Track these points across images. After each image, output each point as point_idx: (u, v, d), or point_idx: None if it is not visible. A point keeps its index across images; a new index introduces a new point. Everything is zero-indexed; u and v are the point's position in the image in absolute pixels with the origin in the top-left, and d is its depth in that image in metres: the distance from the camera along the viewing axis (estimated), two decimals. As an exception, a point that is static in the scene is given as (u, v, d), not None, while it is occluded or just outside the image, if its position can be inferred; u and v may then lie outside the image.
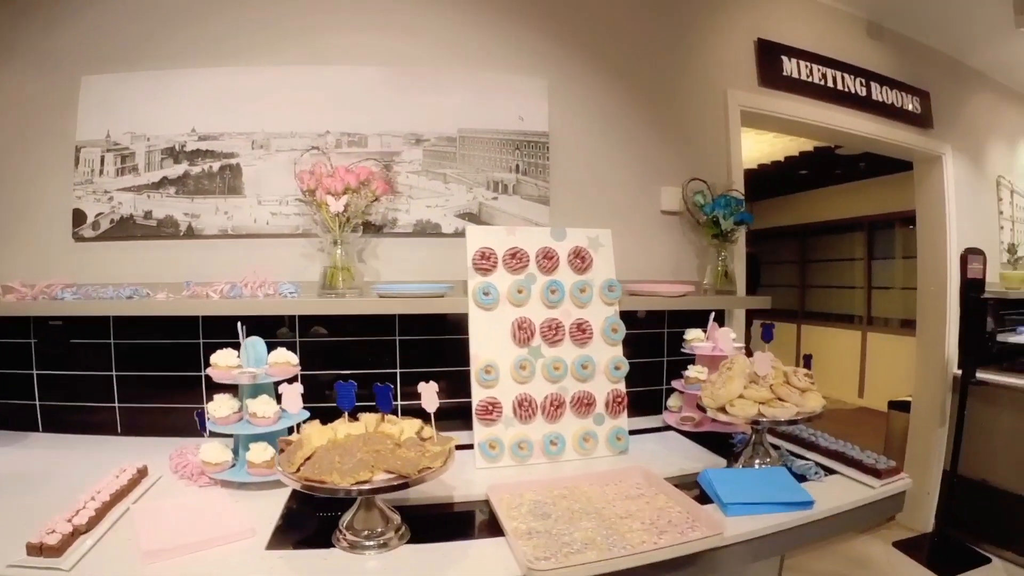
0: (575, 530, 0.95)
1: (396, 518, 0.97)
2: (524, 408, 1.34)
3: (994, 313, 2.63)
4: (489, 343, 1.36)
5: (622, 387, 1.43)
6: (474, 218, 1.66)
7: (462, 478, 1.20)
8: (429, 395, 1.05)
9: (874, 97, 2.32)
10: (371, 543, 0.91)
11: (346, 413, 1.02)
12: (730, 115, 1.95)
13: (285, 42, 1.53)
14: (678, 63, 1.91)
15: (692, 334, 1.64)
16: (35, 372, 1.37)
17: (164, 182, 1.46)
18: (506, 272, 1.40)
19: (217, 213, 1.49)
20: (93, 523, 0.90)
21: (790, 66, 2.09)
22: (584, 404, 1.38)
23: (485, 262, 1.38)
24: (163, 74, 1.46)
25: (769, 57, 2.05)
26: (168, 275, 1.43)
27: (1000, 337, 2.64)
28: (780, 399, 1.20)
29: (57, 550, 0.81)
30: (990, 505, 2.39)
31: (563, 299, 1.42)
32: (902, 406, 2.92)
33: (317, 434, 0.98)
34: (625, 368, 1.42)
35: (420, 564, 0.87)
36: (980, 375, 2.39)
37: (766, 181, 5.20)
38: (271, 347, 1.24)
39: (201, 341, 1.41)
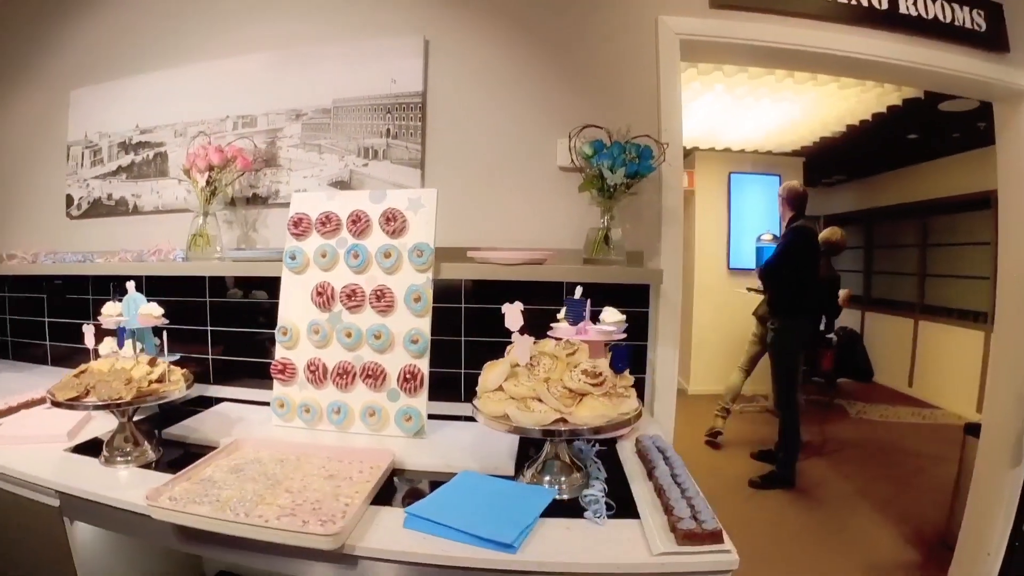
0: (234, 489, 1.05)
1: (147, 446, 1.28)
2: (313, 372, 1.49)
3: None
4: (291, 306, 1.55)
5: (420, 363, 1.45)
6: (344, 185, 1.84)
7: (249, 430, 1.45)
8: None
9: (907, 11, 1.69)
10: (124, 459, 1.24)
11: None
12: (662, 48, 1.68)
13: (195, 43, 1.95)
14: None
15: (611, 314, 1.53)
16: (46, 319, 2.11)
17: (119, 170, 2.04)
18: (318, 237, 1.56)
19: (151, 193, 2.01)
20: None
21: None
22: (373, 376, 1.46)
23: (295, 228, 1.56)
24: (117, 83, 2.02)
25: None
26: (121, 244, 1.99)
27: None
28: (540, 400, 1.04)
29: None
30: None
31: (364, 264, 1.51)
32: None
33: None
34: (423, 342, 1.44)
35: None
36: None
37: (869, 151, 4.79)
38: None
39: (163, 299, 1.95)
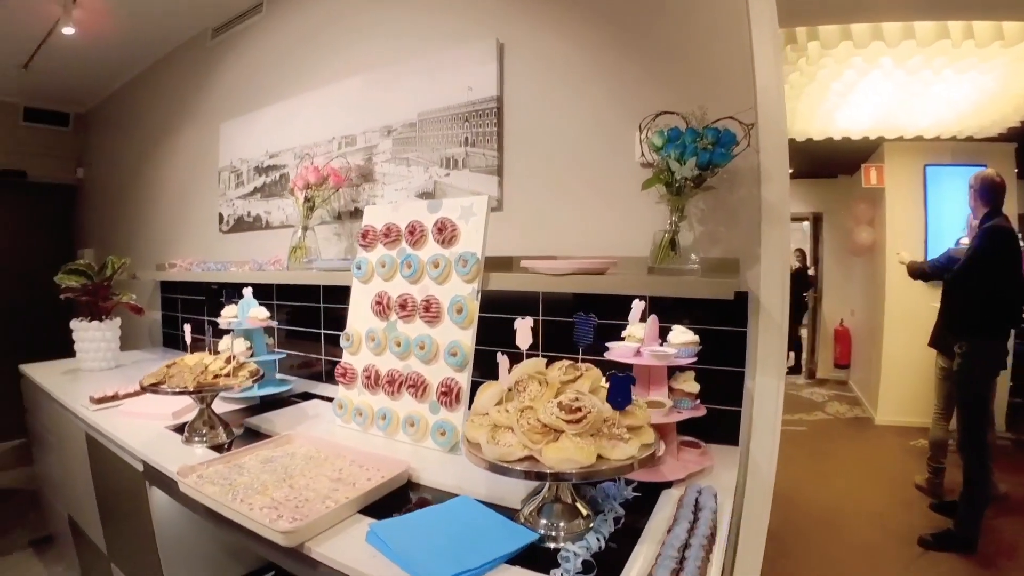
0: (251, 477, 1.18)
1: (221, 430, 1.51)
2: (368, 378, 1.59)
3: None
4: (356, 313, 1.67)
5: (459, 377, 1.44)
6: (429, 196, 1.93)
7: (312, 427, 1.61)
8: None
9: None
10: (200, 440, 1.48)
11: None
12: (753, 12, 1.44)
13: (304, 74, 2.27)
14: None
15: (634, 330, 1.40)
16: (206, 318, 2.59)
17: (254, 190, 2.43)
18: (382, 248, 1.67)
19: (278, 210, 2.35)
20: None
21: None
22: (415, 387, 1.49)
23: (363, 239, 1.69)
24: (252, 115, 2.42)
25: None
26: (254, 255, 2.37)
27: None
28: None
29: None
30: None
31: (416, 274, 1.56)
32: None
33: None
34: (461, 355, 1.44)
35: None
36: None
37: None
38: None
39: (279, 302, 2.30)
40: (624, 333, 1.38)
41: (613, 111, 1.64)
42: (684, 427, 1.39)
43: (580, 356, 1.57)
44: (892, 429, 4.51)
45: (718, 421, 1.46)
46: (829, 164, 5.85)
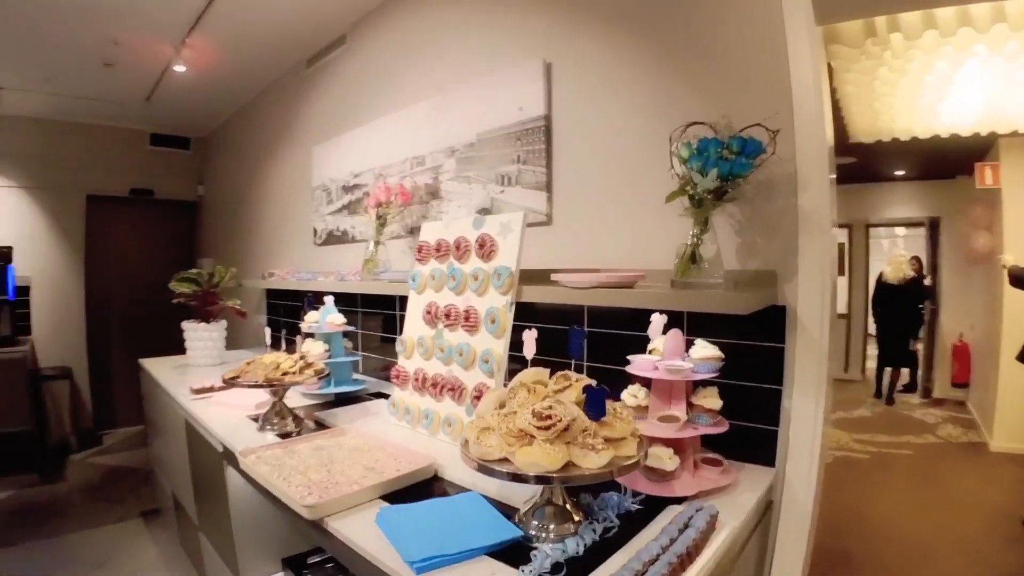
0: (298, 461, 1.39)
1: (290, 420, 1.77)
2: (416, 380, 1.76)
3: None
4: (411, 320, 1.85)
5: (490, 383, 1.56)
6: (487, 211, 2.07)
7: (367, 423, 1.81)
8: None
9: None
10: (271, 427, 1.75)
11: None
12: (788, 13, 1.41)
13: (380, 102, 2.53)
14: None
15: (658, 343, 1.45)
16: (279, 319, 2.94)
17: (342, 207, 2.73)
18: (434, 261, 1.83)
19: (363, 225, 2.63)
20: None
21: None
22: (454, 390, 1.64)
23: (419, 254, 1.87)
24: (338, 139, 2.73)
25: None
26: (340, 265, 2.67)
27: None
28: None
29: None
30: None
31: (460, 286, 1.71)
32: None
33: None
34: (492, 363, 1.56)
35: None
36: None
37: None
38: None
39: (362, 310, 2.58)
40: (649, 346, 1.42)
41: (652, 124, 1.67)
42: (717, 444, 1.40)
43: (586, 364, 1.64)
44: (1007, 457, 4.08)
45: (753, 440, 1.44)
46: (944, 164, 5.27)
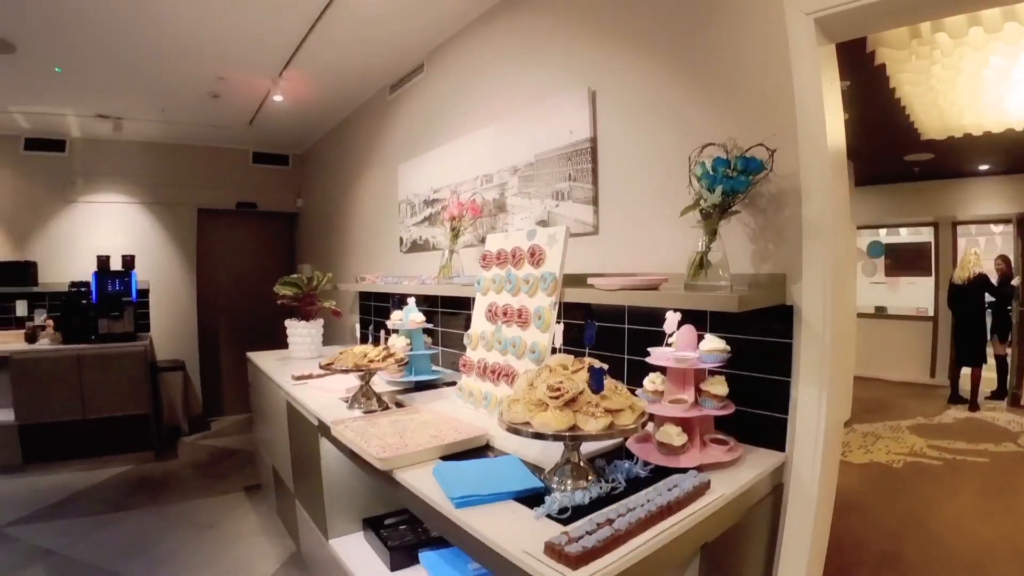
0: (378, 430, 1.81)
1: (374, 400, 2.18)
2: (480, 369, 2.10)
3: None
4: (476, 318, 2.20)
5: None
6: (544, 224, 2.38)
7: (438, 404, 2.18)
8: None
9: None
10: (358, 406, 2.18)
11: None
12: (791, 36, 1.58)
13: (455, 126, 2.91)
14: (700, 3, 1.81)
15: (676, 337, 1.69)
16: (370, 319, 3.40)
17: (423, 220, 3.15)
18: (496, 268, 2.17)
19: (441, 236, 3.03)
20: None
21: None
22: (507, 376, 1.96)
23: (483, 261, 2.22)
24: (420, 158, 3.15)
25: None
26: (423, 271, 3.09)
27: None
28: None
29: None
30: None
31: (514, 289, 2.03)
32: None
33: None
34: (537, 353, 1.87)
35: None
36: None
37: None
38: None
39: (441, 310, 2.99)
40: (667, 340, 1.66)
41: (680, 144, 1.89)
42: (734, 428, 1.62)
43: (626, 357, 1.91)
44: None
45: (766, 426, 1.64)
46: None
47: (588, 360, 1.43)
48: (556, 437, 1.28)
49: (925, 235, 7.21)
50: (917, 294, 7.37)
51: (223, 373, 5.82)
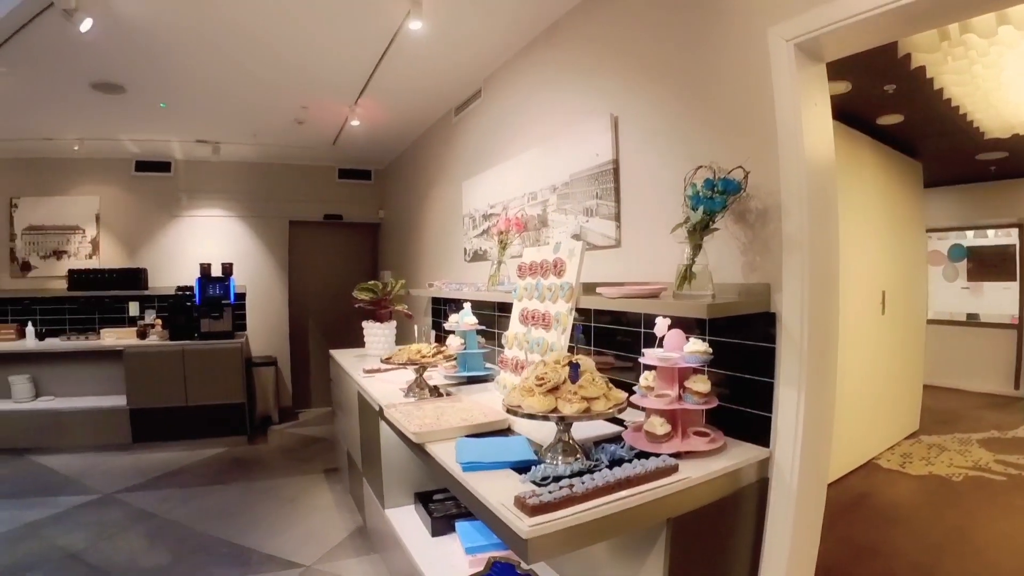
0: (421, 412, 2.21)
1: (427, 391, 2.59)
2: (513, 365, 2.44)
3: None
4: (513, 321, 2.54)
5: (556, 367, 2.17)
6: (578, 237, 2.67)
7: (479, 395, 2.55)
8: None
9: None
10: (412, 395, 2.61)
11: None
12: (774, 63, 1.76)
13: (505, 148, 3.26)
14: (701, 35, 2.03)
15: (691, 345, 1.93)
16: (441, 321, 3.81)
17: (482, 232, 3.53)
18: (529, 278, 2.50)
19: (495, 248, 3.40)
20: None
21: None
22: (533, 372, 2.28)
23: (519, 272, 2.55)
24: (479, 176, 3.54)
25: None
26: (481, 279, 3.47)
27: None
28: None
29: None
30: None
31: (541, 296, 2.34)
32: None
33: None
34: (556, 351, 2.16)
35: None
36: None
37: None
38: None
39: (497, 314, 3.36)
40: (659, 342, 1.90)
41: (686, 164, 2.11)
42: (725, 424, 1.84)
43: (624, 355, 2.15)
44: None
45: (752, 424, 1.83)
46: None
47: (575, 357, 1.72)
48: (544, 417, 1.58)
49: (1014, 237, 6.64)
50: (1002, 300, 6.80)
51: (310, 369, 6.59)
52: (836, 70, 2.29)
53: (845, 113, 3.59)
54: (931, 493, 3.52)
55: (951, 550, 2.77)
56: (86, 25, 2.65)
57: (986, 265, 6.98)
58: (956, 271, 7.30)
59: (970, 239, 7.20)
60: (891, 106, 3.44)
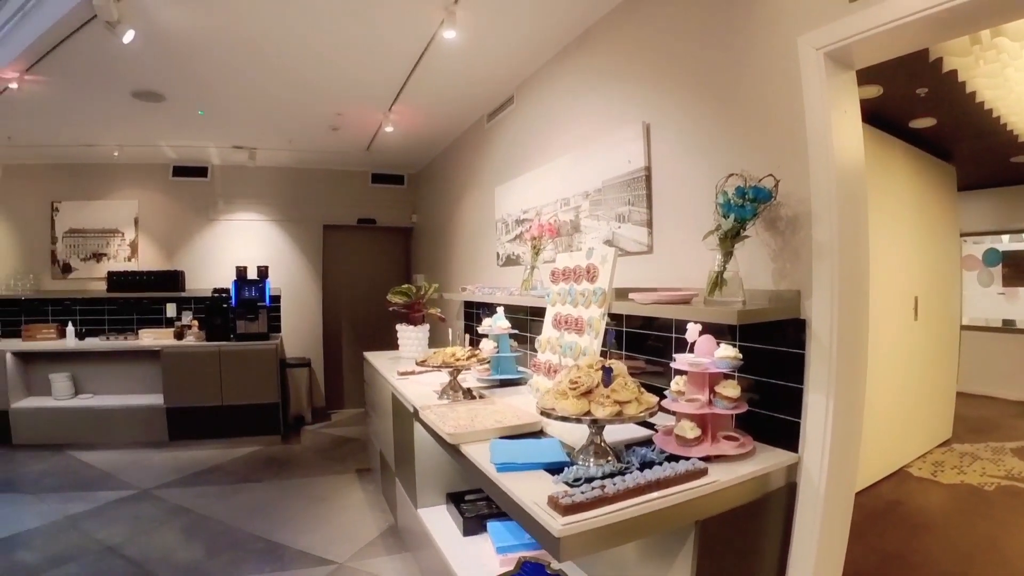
0: (456, 414, 2.30)
1: (460, 392, 2.69)
2: (545, 368, 2.52)
3: None
4: (546, 326, 2.62)
5: (588, 371, 2.24)
6: (610, 243, 2.73)
7: (511, 398, 2.63)
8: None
9: None
10: (446, 397, 2.71)
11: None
12: (804, 72, 1.80)
13: (537, 155, 3.35)
14: (732, 44, 2.07)
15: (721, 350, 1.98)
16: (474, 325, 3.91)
17: (515, 237, 3.62)
18: (562, 283, 2.58)
19: (527, 253, 3.48)
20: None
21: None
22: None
23: (552, 277, 2.63)
24: (511, 182, 3.63)
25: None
26: (513, 283, 3.56)
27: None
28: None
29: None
30: None
31: (574, 301, 2.42)
32: None
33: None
34: (589, 356, 2.23)
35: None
36: None
37: None
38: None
39: (530, 318, 3.45)
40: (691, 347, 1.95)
41: (717, 172, 2.16)
42: (755, 428, 1.88)
43: (656, 359, 2.20)
44: None
45: (782, 429, 1.87)
46: None
47: (608, 361, 1.79)
48: (577, 420, 1.66)
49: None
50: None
51: (344, 370, 6.77)
52: (867, 74, 2.31)
53: (877, 117, 3.57)
54: (962, 502, 3.47)
55: (981, 559, 2.74)
56: (128, 36, 2.78)
57: (1023, 270, 6.78)
58: (991, 276, 7.12)
59: (1006, 243, 7.02)
60: (923, 109, 3.41)
